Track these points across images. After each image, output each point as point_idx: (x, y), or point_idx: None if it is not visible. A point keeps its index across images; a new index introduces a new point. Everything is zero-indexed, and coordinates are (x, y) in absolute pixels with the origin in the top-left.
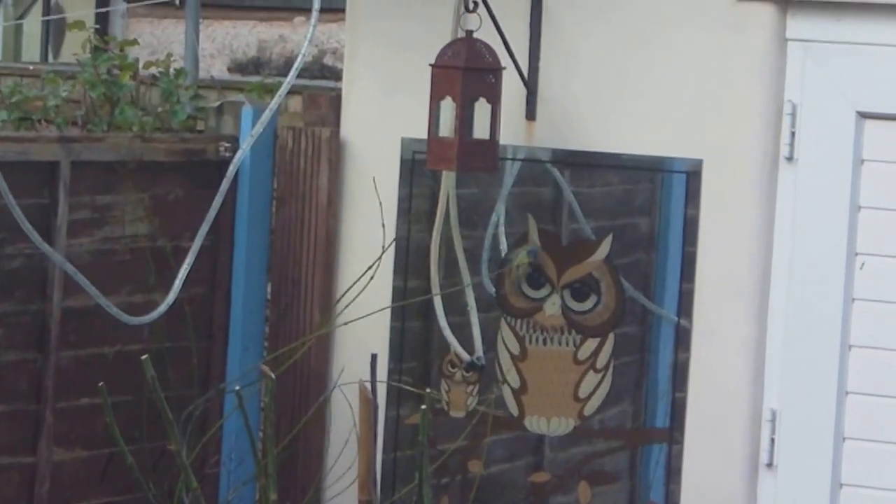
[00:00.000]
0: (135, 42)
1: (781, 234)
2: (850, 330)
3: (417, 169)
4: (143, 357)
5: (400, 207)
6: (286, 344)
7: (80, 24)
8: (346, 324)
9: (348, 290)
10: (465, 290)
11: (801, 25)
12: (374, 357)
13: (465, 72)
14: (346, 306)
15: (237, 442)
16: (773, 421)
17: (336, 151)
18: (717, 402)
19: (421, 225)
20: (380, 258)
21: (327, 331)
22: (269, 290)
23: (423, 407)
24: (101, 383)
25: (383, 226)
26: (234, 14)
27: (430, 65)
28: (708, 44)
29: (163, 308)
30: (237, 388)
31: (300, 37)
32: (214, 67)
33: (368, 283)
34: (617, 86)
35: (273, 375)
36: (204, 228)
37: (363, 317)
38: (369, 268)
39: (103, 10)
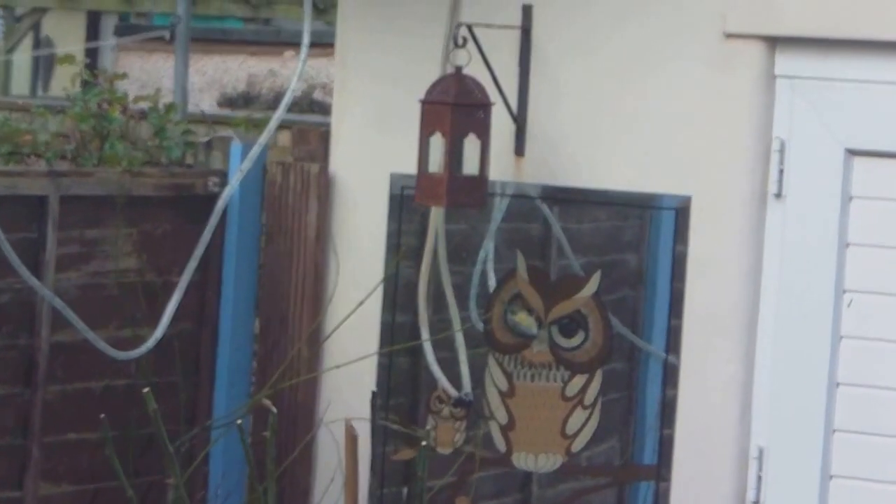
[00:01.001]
0: (124, 76)
1: (769, 270)
2: (838, 367)
3: (406, 204)
4: (145, 390)
5: (389, 243)
6: (274, 381)
7: (69, 59)
8: (337, 367)
9: (337, 327)
10: (453, 325)
11: (789, 62)
12: (374, 394)
13: (455, 107)
14: (331, 334)
15: (224, 478)
16: (759, 458)
17: (325, 187)
18: (705, 439)
19: (409, 260)
20: (369, 295)
21: (314, 375)
22: (257, 325)
23: (424, 443)
24: (102, 415)
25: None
26: (223, 48)
27: (420, 100)
28: (697, 80)
29: (150, 343)
30: (238, 420)
31: (290, 71)
32: (204, 101)
33: (352, 314)
34: (606, 122)
35: (275, 409)
36: (192, 264)
37: (348, 363)
38: (360, 304)
39: (93, 44)
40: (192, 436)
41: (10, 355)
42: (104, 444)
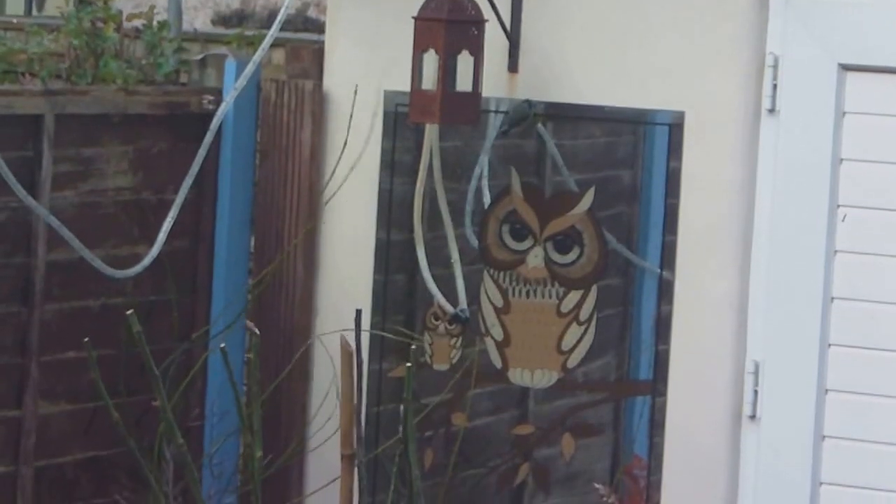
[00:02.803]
0: None
1: (763, 186)
2: (833, 282)
3: (400, 122)
4: (129, 312)
5: (383, 160)
6: (268, 298)
7: None
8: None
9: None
10: (449, 242)
11: None
12: (358, 312)
13: (448, 24)
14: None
15: (220, 395)
16: (755, 373)
17: (319, 104)
18: (701, 354)
19: (404, 178)
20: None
21: (310, 227)
22: (252, 243)
23: (409, 365)
24: (86, 339)
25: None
26: None
27: (413, 17)
28: None
29: (146, 261)
30: (222, 345)
31: None
32: (198, 20)
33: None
34: (600, 38)
35: (258, 332)
36: (187, 182)
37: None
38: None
39: None
40: (183, 351)
41: (7, 274)
42: (100, 364)
